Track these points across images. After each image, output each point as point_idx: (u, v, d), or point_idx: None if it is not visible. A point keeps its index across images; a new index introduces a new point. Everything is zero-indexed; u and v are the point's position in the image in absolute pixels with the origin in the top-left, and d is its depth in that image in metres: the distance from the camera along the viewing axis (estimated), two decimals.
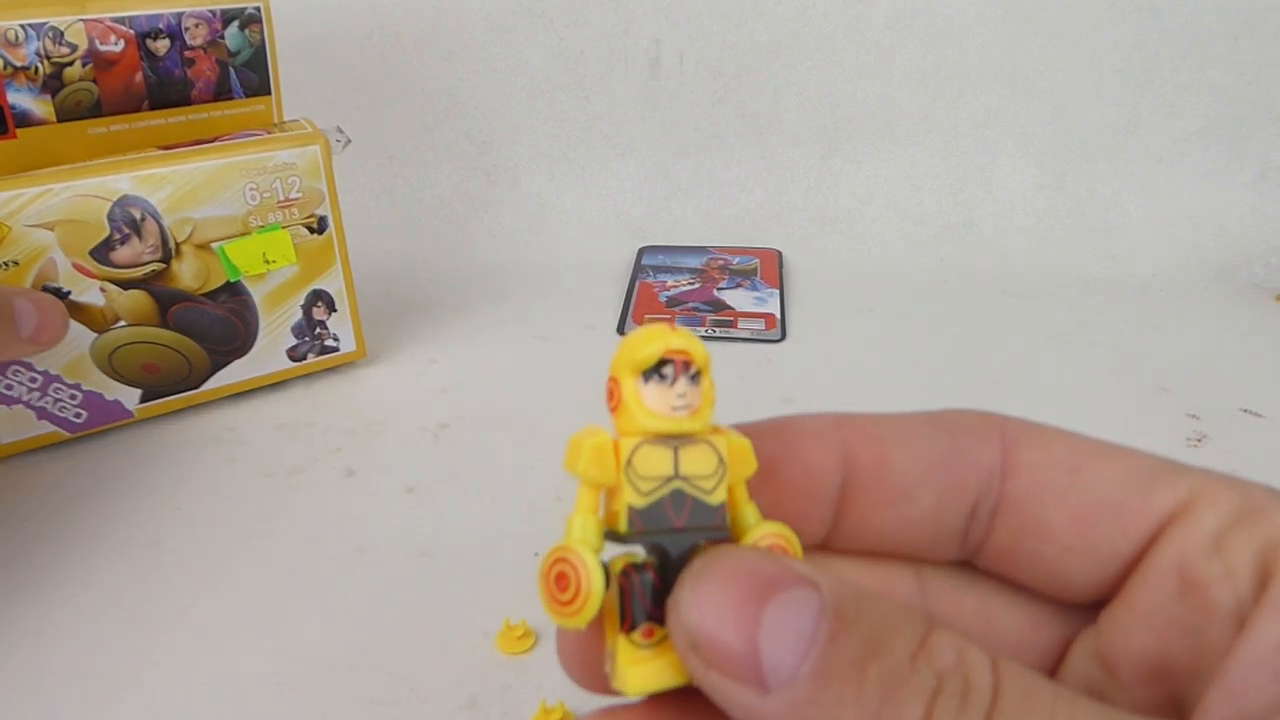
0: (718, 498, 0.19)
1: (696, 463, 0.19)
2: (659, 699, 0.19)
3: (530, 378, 0.54)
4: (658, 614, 0.19)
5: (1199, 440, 0.49)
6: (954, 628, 0.19)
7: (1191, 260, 0.70)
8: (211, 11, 0.49)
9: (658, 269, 0.67)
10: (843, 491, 0.22)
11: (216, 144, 0.47)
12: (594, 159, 0.74)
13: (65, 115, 0.46)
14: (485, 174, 0.74)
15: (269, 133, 0.49)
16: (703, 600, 0.17)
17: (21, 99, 0.45)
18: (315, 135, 0.49)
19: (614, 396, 0.19)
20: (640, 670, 0.18)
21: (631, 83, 0.73)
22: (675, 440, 0.19)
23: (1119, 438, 0.21)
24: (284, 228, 0.48)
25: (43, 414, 0.46)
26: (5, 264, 0.43)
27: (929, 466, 0.21)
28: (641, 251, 0.70)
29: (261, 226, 0.48)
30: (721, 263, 0.68)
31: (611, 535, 0.19)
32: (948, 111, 0.73)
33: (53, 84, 0.45)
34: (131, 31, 0.47)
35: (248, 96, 0.52)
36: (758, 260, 0.69)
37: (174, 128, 0.50)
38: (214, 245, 0.47)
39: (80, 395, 0.46)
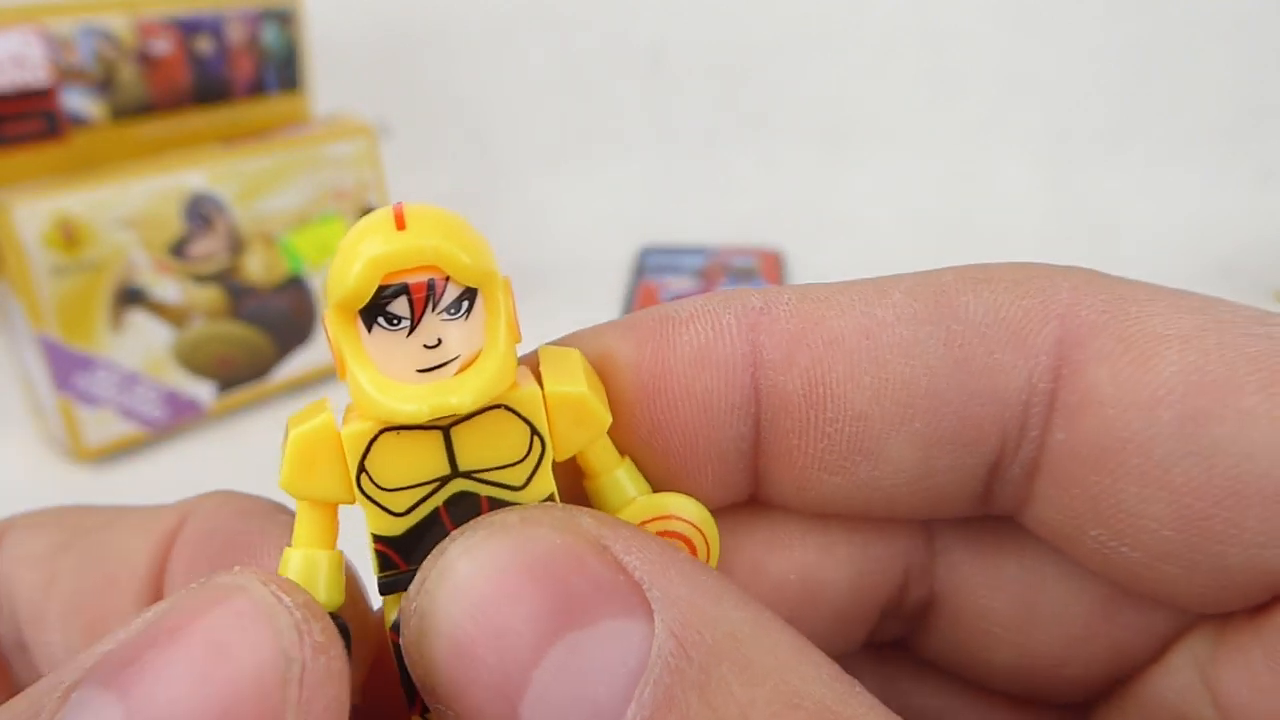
0: (537, 492, 0.13)
1: (488, 444, 0.12)
2: None
3: None
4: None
5: None
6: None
7: (1191, 260, 0.71)
8: (250, 10, 0.52)
9: (659, 269, 0.68)
10: (759, 434, 0.13)
11: (278, 138, 0.51)
12: (595, 159, 0.75)
13: (117, 115, 0.48)
14: (486, 174, 0.75)
15: (307, 127, 0.53)
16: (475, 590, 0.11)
17: (75, 100, 0.47)
18: (365, 128, 0.53)
19: (336, 354, 0.12)
20: None
21: (633, 83, 0.74)
22: (443, 418, 0.12)
23: None
24: (341, 217, 0.52)
25: (128, 412, 0.48)
26: (87, 266, 0.44)
27: (907, 399, 0.13)
28: (643, 252, 0.71)
29: (322, 216, 0.51)
30: (722, 263, 0.69)
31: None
32: (948, 111, 0.74)
33: (105, 85, 0.47)
34: (178, 30, 0.49)
35: (281, 92, 0.54)
36: (759, 260, 0.70)
37: (217, 124, 0.52)
38: (277, 236, 0.50)
39: (159, 392, 0.49)
